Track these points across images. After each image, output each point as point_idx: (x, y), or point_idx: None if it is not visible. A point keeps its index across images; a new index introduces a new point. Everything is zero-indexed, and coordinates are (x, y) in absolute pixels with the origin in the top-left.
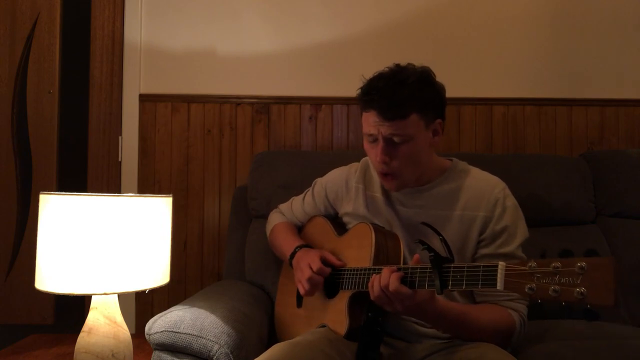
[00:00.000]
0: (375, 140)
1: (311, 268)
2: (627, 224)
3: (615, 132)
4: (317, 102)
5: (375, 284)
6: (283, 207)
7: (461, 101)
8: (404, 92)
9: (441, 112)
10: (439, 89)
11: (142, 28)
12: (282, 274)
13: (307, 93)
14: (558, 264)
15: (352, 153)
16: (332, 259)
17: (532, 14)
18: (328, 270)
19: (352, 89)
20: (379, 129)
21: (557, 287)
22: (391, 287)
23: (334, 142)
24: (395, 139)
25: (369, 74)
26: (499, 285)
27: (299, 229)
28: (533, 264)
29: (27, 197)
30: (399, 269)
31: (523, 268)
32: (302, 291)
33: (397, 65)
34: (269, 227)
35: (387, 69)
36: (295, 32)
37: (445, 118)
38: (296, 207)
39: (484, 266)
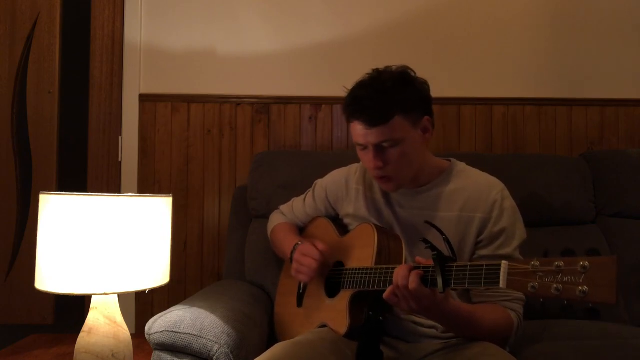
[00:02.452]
0: (365, 148)
1: (305, 255)
2: (627, 224)
3: (615, 132)
4: (317, 102)
5: (393, 282)
6: (284, 208)
7: (461, 101)
8: (383, 97)
9: (427, 108)
10: (420, 86)
11: (142, 28)
12: (283, 274)
13: (307, 93)
14: (561, 263)
15: (352, 153)
16: (319, 244)
17: (532, 14)
18: (318, 255)
19: None
20: (366, 138)
21: (559, 286)
22: (411, 286)
23: (334, 142)
24: (384, 144)
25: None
26: (502, 283)
27: (301, 230)
28: (536, 262)
29: (27, 197)
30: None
31: (526, 267)
32: (301, 279)
33: (375, 71)
34: (270, 227)
35: (366, 76)
36: (295, 32)
37: (433, 114)
38: (297, 208)
39: (486, 265)
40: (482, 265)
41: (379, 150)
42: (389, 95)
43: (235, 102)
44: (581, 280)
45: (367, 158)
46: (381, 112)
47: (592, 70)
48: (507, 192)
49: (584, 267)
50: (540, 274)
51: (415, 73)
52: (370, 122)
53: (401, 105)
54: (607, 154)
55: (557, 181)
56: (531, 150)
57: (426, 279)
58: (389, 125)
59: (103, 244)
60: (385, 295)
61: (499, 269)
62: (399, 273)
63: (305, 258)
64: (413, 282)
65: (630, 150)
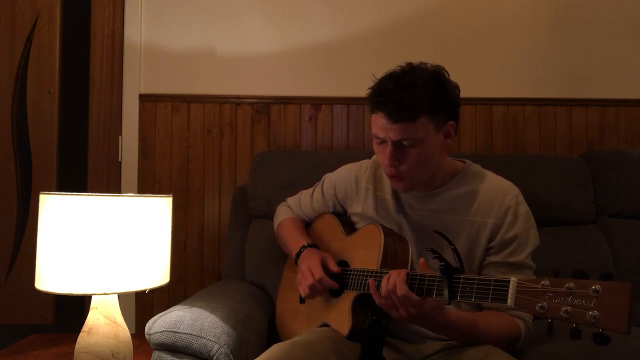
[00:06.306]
0: (383, 142)
1: (312, 275)
2: (627, 224)
3: (615, 132)
4: (317, 102)
5: (382, 286)
6: (291, 201)
7: (461, 101)
8: (412, 94)
9: (453, 113)
10: (451, 90)
11: (142, 28)
12: (287, 268)
13: (307, 93)
14: (572, 285)
15: (352, 153)
16: (332, 265)
17: (532, 14)
18: (331, 283)
19: (352, 89)
20: (387, 132)
21: (569, 309)
22: (399, 292)
23: (334, 142)
24: (404, 142)
25: (369, 74)
26: (510, 301)
27: (307, 224)
28: (546, 282)
29: (27, 197)
30: (407, 275)
31: (535, 286)
32: (302, 294)
33: (409, 65)
34: (276, 221)
35: (398, 68)
36: (295, 32)
37: (458, 119)
38: (304, 202)
39: (495, 280)
40: (491, 280)
41: (397, 147)
42: (418, 93)
43: (235, 102)
44: (592, 305)
45: (383, 153)
46: (408, 108)
47: (592, 70)
48: (521, 198)
49: (595, 290)
50: (550, 294)
51: (449, 74)
52: (395, 117)
53: (429, 106)
54: (607, 154)
55: (557, 181)
56: (531, 150)
57: (431, 290)
58: (413, 125)
59: (103, 244)
60: (377, 300)
61: (508, 286)
62: (389, 277)
63: (308, 275)
64: (400, 288)
65: (630, 150)
